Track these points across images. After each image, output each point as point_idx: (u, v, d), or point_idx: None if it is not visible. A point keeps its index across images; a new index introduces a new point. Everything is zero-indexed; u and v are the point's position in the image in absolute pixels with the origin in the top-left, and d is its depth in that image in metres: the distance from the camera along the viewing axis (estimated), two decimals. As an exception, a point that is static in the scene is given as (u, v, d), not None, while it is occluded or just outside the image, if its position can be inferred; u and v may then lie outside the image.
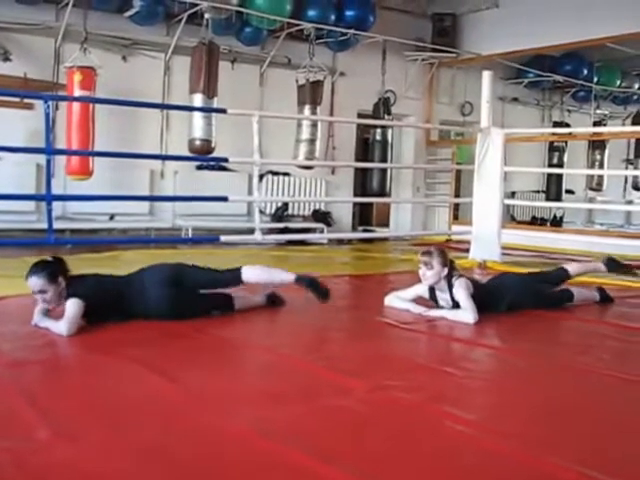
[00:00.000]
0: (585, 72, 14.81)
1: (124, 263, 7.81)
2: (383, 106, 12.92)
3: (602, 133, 14.24)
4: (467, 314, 4.95)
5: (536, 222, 15.36)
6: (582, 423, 3.04)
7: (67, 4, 9.96)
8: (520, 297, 5.48)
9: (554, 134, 14.09)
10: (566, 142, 15.28)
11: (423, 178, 14.55)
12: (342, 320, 5.43)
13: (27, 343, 4.05)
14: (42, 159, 7.67)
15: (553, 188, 15.47)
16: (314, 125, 11.83)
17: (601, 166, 15.73)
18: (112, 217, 10.73)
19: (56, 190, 8.19)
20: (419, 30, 13.84)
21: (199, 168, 11.78)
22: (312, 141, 11.85)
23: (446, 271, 5.09)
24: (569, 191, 15.70)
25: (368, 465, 2.47)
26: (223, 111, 8.64)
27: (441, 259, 5.08)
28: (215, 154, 10.61)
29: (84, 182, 9.70)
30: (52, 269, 4.29)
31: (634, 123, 15.22)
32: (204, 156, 10.71)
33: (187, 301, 4.82)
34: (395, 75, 13.47)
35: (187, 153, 10.57)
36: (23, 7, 9.87)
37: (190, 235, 10.81)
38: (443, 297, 5.21)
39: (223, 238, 7.99)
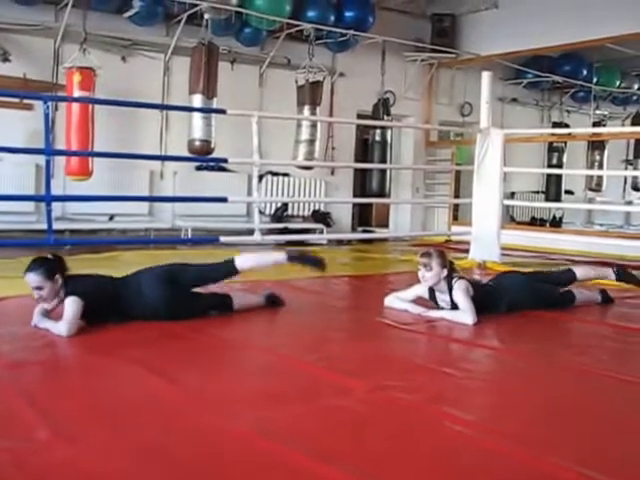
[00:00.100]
0: (584, 72, 14.82)
1: (123, 264, 7.80)
2: (382, 107, 12.92)
3: (601, 134, 14.23)
4: (466, 315, 4.95)
5: (535, 223, 15.36)
6: (581, 423, 3.05)
7: (66, 5, 9.96)
8: (520, 298, 5.48)
9: (553, 134, 14.09)
10: (565, 143, 15.28)
11: (422, 179, 14.55)
12: (342, 320, 5.44)
13: (27, 344, 4.05)
14: (41, 160, 7.65)
15: (552, 189, 15.47)
16: (313, 126, 11.83)
17: (600, 167, 15.72)
18: (111, 218, 10.73)
19: (55, 191, 8.19)
20: (418, 31, 13.84)
21: (198, 169, 11.78)
22: (311, 142, 11.85)
23: (445, 272, 5.09)
24: (568, 192, 15.69)
25: (368, 465, 2.47)
26: (222, 112, 8.64)
27: (440, 260, 5.09)
28: (214, 155, 10.61)
29: (83, 183, 9.70)
30: (50, 266, 4.29)
31: (633, 123, 15.22)
32: (203, 157, 10.70)
33: (184, 301, 4.83)
34: (394, 76, 13.47)
35: (186, 154, 10.56)
36: (22, 8, 9.87)
37: (189, 236, 10.80)
38: (443, 298, 5.21)
39: (222, 239, 7.98)
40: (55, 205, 8.16)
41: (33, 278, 4.24)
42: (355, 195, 13.98)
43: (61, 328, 4.17)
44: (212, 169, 11.79)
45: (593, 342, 4.71)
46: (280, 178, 12.48)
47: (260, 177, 11.37)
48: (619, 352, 4.51)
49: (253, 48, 11.94)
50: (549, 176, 15.53)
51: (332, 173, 13.25)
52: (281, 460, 2.48)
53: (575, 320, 5.47)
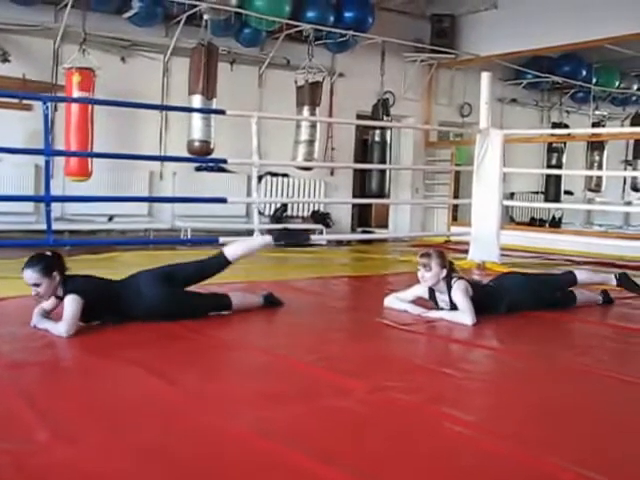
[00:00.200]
0: (584, 73, 14.82)
1: (123, 264, 7.79)
2: (382, 107, 12.92)
3: (601, 134, 14.23)
4: (465, 316, 4.95)
5: (535, 223, 15.37)
6: (581, 424, 3.04)
7: (66, 5, 9.97)
8: (520, 298, 5.47)
9: (553, 135, 14.10)
10: (565, 143, 15.28)
11: (422, 179, 14.55)
12: (341, 321, 5.44)
13: (26, 344, 4.05)
14: (41, 160, 7.64)
15: (552, 189, 15.47)
16: (313, 126, 11.84)
17: (600, 167, 15.73)
18: (111, 218, 10.73)
19: (55, 191, 8.21)
20: (418, 31, 13.84)
21: (198, 169, 11.77)
22: (311, 142, 11.85)
23: (445, 273, 5.09)
24: (568, 192, 15.70)
25: (367, 465, 2.46)
26: (222, 112, 8.65)
27: (439, 261, 5.08)
28: (214, 155, 10.62)
29: (83, 183, 9.70)
30: (47, 263, 4.27)
31: (633, 124, 15.24)
32: (203, 157, 10.71)
33: (183, 300, 4.84)
34: (394, 76, 13.47)
35: (186, 154, 10.56)
36: (22, 8, 9.87)
37: (189, 236, 10.80)
38: (442, 298, 5.21)
39: (222, 239, 7.98)
40: (54, 205, 8.18)
41: (30, 275, 4.22)
42: (354, 196, 13.96)
43: (60, 329, 4.17)
44: (211, 170, 11.79)
45: (594, 343, 4.70)
46: (279, 179, 12.48)
47: (259, 178, 11.38)
48: (620, 353, 4.50)
49: (252, 49, 11.94)
50: (548, 176, 15.54)
51: (331, 174, 13.25)
52: (281, 460, 2.47)
53: (576, 321, 5.46)
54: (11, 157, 9.63)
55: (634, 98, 16.25)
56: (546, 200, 15.35)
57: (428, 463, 2.55)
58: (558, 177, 15.38)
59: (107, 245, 9.52)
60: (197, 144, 10.48)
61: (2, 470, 2.34)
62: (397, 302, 5.44)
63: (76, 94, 9.50)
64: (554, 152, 15.44)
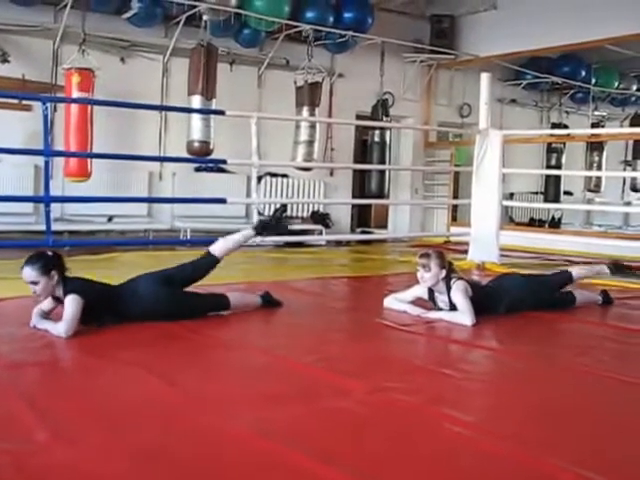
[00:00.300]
0: (583, 74, 14.83)
1: (122, 265, 7.80)
2: (381, 108, 12.92)
3: (600, 134, 14.23)
4: (464, 316, 4.95)
5: (534, 223, 15.36)
6: (581, 424, 3.04)
7: (65, 6, 9.96)
8: (519, 299, 5.47)
9: (552, 135, 14.10)
10: (564, 143, 15.28)
11: (421, 180, 14.54)
12: (341, 322, 5.44)
13: (25, 345, 4.05)
14: (40, 161, 7.65)
15: (551, 189, 15.47)
16: (312, 127, 11.83)
17: (599, 167, 15.75)
18: (110, 219, 10.72)
19: (54, 192, 8.20)
20: (417, 32, 13.83)
21: (197, 170, 11.77)
22: (310, 143, 11.84)
23: (444, 273, 5.09)
24: (567, 192, 15.70)
25: (367, 466, 2.47)
26: (221, 113, 8.65)
27: (439, 261, 5.08)
28: (213, 156, 10.60)
29: (82, 184, 9.68)
30: (46, 261, 4.27)
31: (632, 124, 15.25)
32: (202, 158, 10.70)
33: (181, 300, 4.85)
34: (393, 77, 13.46)
35: (185, 155, 10.55)
36: (21, 8, 9.86)
37: (189, 237, 10.80)
38: (442, 299, 5.21)
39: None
40: (54, 206, 8.18)
41: (29, 272, 4.23)
42: (354, 196, 13.94)
43: (60, 329, 4.17)
44: (211, 170, 11.79)
45: (593, 343, 4.70)
46: (279, 179, 12.48)
47: (259, 178, 11.38)
48: (619, 353, 4.49)
49: (252, 49, 11.93)
50: (548, 177, 15.53)
51: (331, 174, 13.24)
52: (280, 461, 2.48)
53: (575, 321, 5.46)
54: (10, 157, 9.62)
55: (633, 98, 16.27)
56: (545, 200, 15.35)
57: (428, 464, 2.55)
58: (557, 177, 15.38)
59: (107, 246, 9.52)
60: (196, 144, 10.47)
61: (2, 470, 2.34)
62: (396, 303, 5.44)
63: (75, 95, 9.49)
64: (553, 152, 15.44)
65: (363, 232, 14.36)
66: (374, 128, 13.11)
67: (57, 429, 2.70)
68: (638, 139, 15.01)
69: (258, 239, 7.79)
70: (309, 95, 11.85)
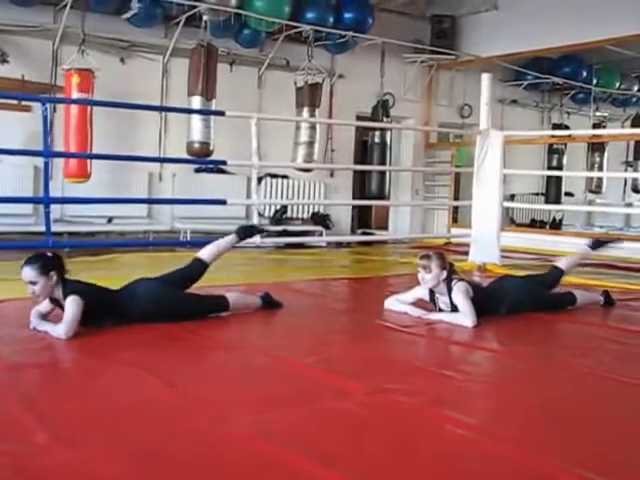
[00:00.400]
0: (584, 74, 14.82)
1: (122, 266, 7.81)
2: (382, 108, 12.91)
3: (601, 135, 14.23)
4: (466, 317, 4.94)
5: (535, 225, 15.35)
6: (582, 426, 3.03)
7: (65, 6, 9.94)
8: (520, 300, 5.47)
9: (553, 136, 14.08)
10: (565, 144, 15.26)
11: (422, 181, 14.52)
12: (341, 323, 5.44)
13: (25, 347, 4.04)
14: (40, 161, 7.64)
15: (552, 190, 15.45)
16: (313, 127, 11.81)
17: (600, 168, 15.73)
18: (110, 220, 10.70)
19: (54, 193, 8.19)
20: (418, 32, 13.82)
21: (197, 171, 11.76)
22: (311, 144, 11.82)
23: (445, 274, 5.07)
24: (568, 193, 15.69)
25: (367, 468, 2.46)
26: (221, 113, 8.64)
27: (439, 262, 5.07)
28: (213, 157, 10.60)
29: (82, 184, 9.66)
30: (46, 262, 4.27)
31: (633, 125, 15.24)
32: (202, 159, 10.69)
33: (181, 301, 4.86)
34: (394, 77, 13.45)
35: (185, 156, 10.54)
36: (21, 9, 9.84)
37: (189, 238, 10.78)
38: (443, 300, 5.20)
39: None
40: (53, 207, 8.16)
41: (28, 272, 4.22)
42: (354, 197, 13.95)
43: (60, 330, 4.16)
44: (211, 171, 11.78)
45: (594, 344, 4.69)
46: (279, 180, 12.46)
47: (259, 179, 11.36)
48: (620, 354, 4.48)
49: (252, 49, 11.91)
50: (549, 178, 15.52)
51: (331, 175, 13.23)
52: (280, 462, 2.47)
53: (576, 322, 5.45)
54: (10, 158, 9.62)
55: (634, 99, 16.26)
56: (546, 202, 15.33)
57: (428, 466, 2.54)
58: (559, 178, 15.36)
59: (106, 247, 9.50)
60: (196, 145, 10.46)
61: (1, 472, 2.34)
62: (397, 304, 5.43)
63: (75, 95, 9.47)
64: (554, 153, 15.42)
65: (363, 233, 14.35)
66: (374, 129, 13.10)
67: (57, 430, 2.70)
68: (639, 140, 14.99)
69: (258, 240, 7.86)
70: (309, 96, 11.83)
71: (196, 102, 10.44)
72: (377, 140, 13.06)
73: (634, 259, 9.38)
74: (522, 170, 13.21)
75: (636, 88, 16.11)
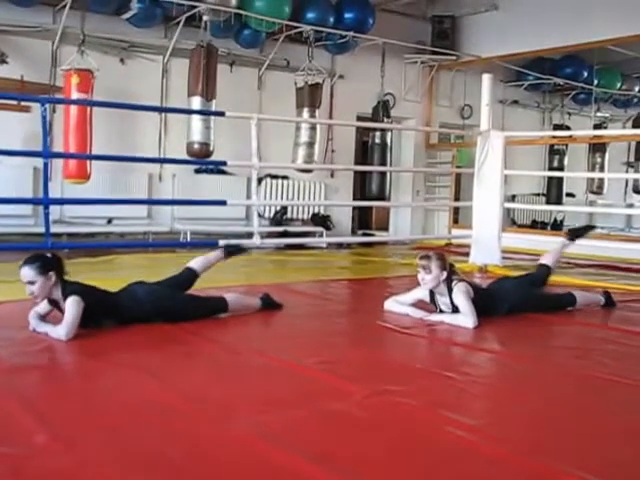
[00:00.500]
0: (585, 75, 14.77)
1: (122, 267, 7.81)
2: (382, 109, 12.89)
3: (603, 136, 14.19)
4: (466, 318, 4.93)
5: (536, 226, 15.31)
6: (583, 427, 3.03)
7: (64, 6, 9.91)
8: (521, 301, 5.48)
9: (554, 137, 14.06)
10: (566, 145, 15.23)
11: (423, 181, 14.51)
12: (341, 324, 5.43)
13: (25, 349, 4.04)
14: (39, 162, 7.62)
15: (553, 191, 15.42)
16: (313, 128, 11.79)
17: (602, 169, 15.69)
18: (110, 221, 10.68)
19: (53, 194, 8.17)
20: (418, 33, 13.81)
21: (197, 172, 11.75)
22: (311, 144, 11.81)
23: (445, 275, 5.05)
24: (569, 194, 15.65)
25: (368, 470, 2.46)
26: (221, 114, 8.62)
27: (439, 263, 5.05)
28: (213, 157, 10.59)
29: (81, 185, 9.65)
30: (45, 262, 4.27)
31: (635, 126, 15.19)
32: (202, 159, 10.67)
33: (180, 300, 4.88)
34: (394, 78, 13.45)
35: (185, 156, 10.52)
36: (20, 9, 9.82)
37: (189, 239, 10.76)
38: (443, 301, 5.18)
39: (221, 242, 7.95)
40: (53, 208, 8.15)
41: (26, 272, 4.21)
42: (355, 198, 13.93)
43: (60, 332, 4.16)
44: (211, 172, 11.77)
45: (594, 345, 4.69)
46: (279, 181, 12.44)
47: (259, 180, 11.34)
48: (621, 355, 4.47)
49: (252, 50, 11.90)
50: (550, 179, 15.49)
51: (332, 176, 13.21)
52: (280, 464, 2.47)
53: (576, 323, 5.47)
54: (9, 159, 9.60)
55: (636, 100, 16.20)
56: (548, 202, 15.30)
57: (429, 467, 2.53)
58: (560, 179, 15.33)
59: (106, 248, 9.47)
60: (196, 146, 10.45)
61: (0, 474, 2.33)
62: (397, 305, 5.42)
63: (75, 96, 9.46)
64: (556, 154, 15.39)
65: (364, 234, 14.34)
66: (375, 129, 13.08)
67: (56, 432, 2.70)
68: (640, 140, 14.97)
69: (258, 242, 7.85)
70: (309, 96, 11.81)
71: (196, 103, 10.42)
72: (377, 141, 13.03)
73: (635, 260, 9.35)
74: (523, 171, 13.19)
75: (637, 89, 16.06)
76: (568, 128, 15.24)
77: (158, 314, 4.65)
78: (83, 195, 9.39)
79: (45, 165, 6.83)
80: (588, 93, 15.06)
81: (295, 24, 11.42)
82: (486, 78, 8.85)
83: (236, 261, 8.35)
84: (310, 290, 6.79)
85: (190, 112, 10.52)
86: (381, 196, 12.92)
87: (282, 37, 11.72)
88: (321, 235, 12.08)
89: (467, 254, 8.91)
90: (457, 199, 13.42)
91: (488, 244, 8.56)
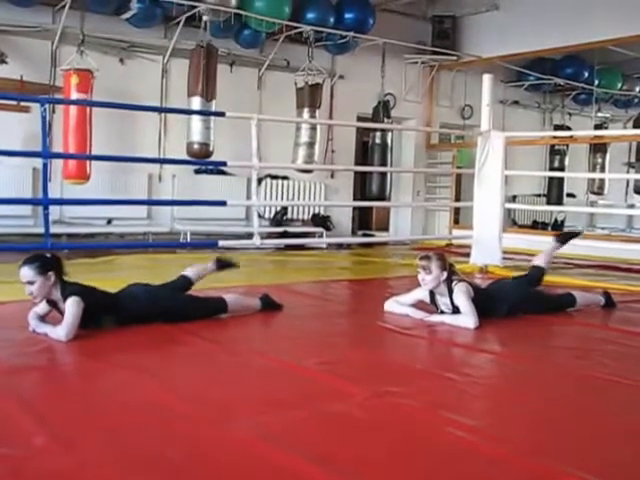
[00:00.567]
0: (586, 75, 14.76)
1: (122, 268, 7.80)
2: (383, 109, 12.88)
3: (603, 136, 14.18)
4: (467, 319, 4.91)
5: (537, 226, 15.29)
6: (584, 428, 3.02)
7: (64, 6, 9.90)
8: (520, 302, 5.47)
9: (555, 137, 14.05)
10: (567, 145, 15.22)
11: (423, 182, 14.50)
12: (342, 325, 5.42)
13: (24, 349, 4.03)
14: (39, 162, 7.61)
15: (554, 192, 15.41)
16: (313, 128, 11.78)
17: (602, 169, 15.67)
18: (109, 221, 10.67)
19: (53, 194, 8.16)
20: (419, 33, 13.81)
21: (197, 172, 11.73)
22: (311, 144, 11.79)
23: (445, 275, 5.04)
24: (570, 195, 15.64)
25: (368, 471, 2.46)
26: (221, 114, 8.61)
27: (440, 263, 5.04)
28: (213, 158, 10.57)
29: (81, 186, 9.63)
30: (44, 262, 4.26)
31: (635, 126, 15.18)
32: (202, 160, 10.65)
33: (180, 299, 4.89)
34: (395, 78, 13.44)
35: (185, 157, 10.51)
36: (20, 9, 9.80)
37: (189, 239, 10.75)
38: (443, 301, 5.17)
39: (221, 243, 7.95)
40: (52, 209, 8.13)
41: (26, 271, 4.20)
42: (355, 198, 13.93)
43: (60, 332, 4.15)
44: (211, 172, 11.75)
45: (595, 346, 4.68)
46: (279, 181, 12.43)
47: (259, 180, 11.33)
48: (621, 356, 4.46)
49: (252, 50, 11.89)
50: (551, 179, 15.49)
51: (332, 176, 13.20)
52: (280, 465, 2.46)
53: (576, 324, 5.47)
54: (9, 159, 9.60)
55: (637, 100, 16.19)
56: (548, 203, 15.28)
57: (430, 469, 2.52)
58: (560, 180, 15.32)
59: (106, 249, 9.46)
60: (196, 146, 10.43)
61: (-1, 474, 2.33)
62: (397, 306, 5.41)
63: (74, 96, 9.44)
64: (556, 154, 15.38)
65: (364, 235, 14.33)
66: (375, 130, 13.06)
67: (56, 433, 2.69)
68: (641, 140, 14.95)
69: (258, 242, 7.83)
70: (310, 97, 11.80)
71: (196, 103, 10.41)
72: (378, 141, 13.01)
73: (635, 260, 9.33)
74: (524, 171, 13.17)
75: (638, 89, 16.06)
76: (569, 128, 15.23)
77: (158, 314, 4.64)
78: (83, 195, 9.39)
79: (44, 165, 6.82)
80: (589, 93, 15.05)
81: (295, 24, 11.41)
82: (487, 78, 8.84)
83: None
84: (310, 291, 6.78)
85: (190, 112, 10.51)
86: (381, 196, 12.90)
87: (282, 37, 11.70)
88: (321, 235, 12.07)
89: (468, 255, 8.90)
90: (458, 199, 13.40)
91: (489, 245, 8.55)
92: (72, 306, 4.18)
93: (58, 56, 10.26)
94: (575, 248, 10.09)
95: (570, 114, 16.23)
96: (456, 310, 5.05)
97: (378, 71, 12.98)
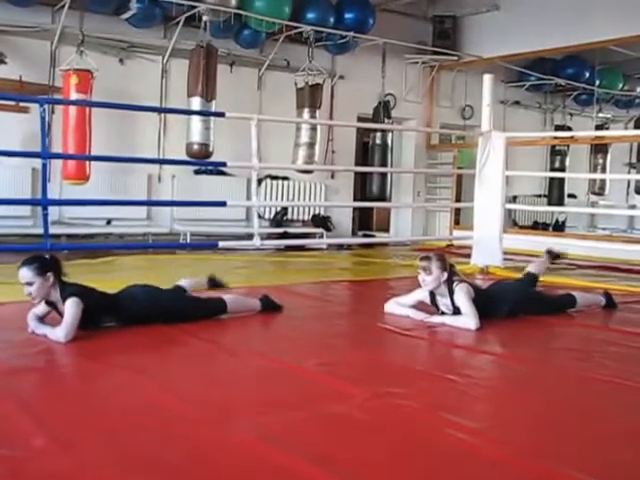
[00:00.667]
0: (587, 75, 14.75)
1: (121, 268, 7.80)
2: (383, 109, 12.87)
3: (604, 137, 14.16)
4: (468, 320, 4.90)
5: (538, 227, 15.27)
6: (584, 430, 3.01)
7: (63, 6, 9.89)
8: (521, 303, 5.48)
9: (556, 138, 14.04)
10: (568, 146, 15.20)
11: (424, 182, 14.49)
12: (342, 326, 5.42)
13: (23, 350, 4.03)
14: (38, 163, 7.60)
15: (555, 192, 15.38)
16: (313, 129, 11.77)
17: (603, 170, 15.65)
18: (109, 222, 10.65)
19: (52, 194, 8.14)
20: (419, 33, 13.80)
21: (197, 172, 11.72)
22: (311, 145, 11.78)
23: (445, 276, 5.03)
24: (571, 195, 15.62)
25: (368, 472, 2.46)
26: (221, 115, 8.59)
27: (440, 264, 5.03)
28: (213, 158, 10.55)
29: (80, 186, 9.61)
30: (43, 263, 4.26)
31: (636, 127, 15.17)
32: (202, 160, 10.63)
33: (180, 299, 4.90)
34: (395, 78, 13.43)
35: (185, 157, 10.49)
36: (19, 9, 9.79)
37: (188, 240, 10.73)
38: (444, 302, 5.16)
39: (221, 244, 7.94)
40: (51, 209, 8.11)
41: (25, 272, 4.20)
42: (355, 199, 13.92)
43: (59, 333, 4.15)
44: (211, 173, 11.74)
45: (596, 347, 4.68)
46: (279, 182, 12.41)
47: (259, 181, 11.31)
48: (622, 357, 4.46)
49: (252, 50, 11.88)
50: (552, 180, 15.47)
51: (332, 177, 13.19)
52: (280, 466, 2.46)
53: (577, 325, 5.47)
54: (8, 160, 9.59)
55: (638, 100, 16.18)
56: (549, 203, 15.25)
57: (430, 470, 2.52)
58: (561, 180, 15.30)
59: (105, 249, 9.44)
60: (196, 147, 10.42)
61: (-2, 476, 2.33)
62: (398, 307, 5.40)
63: (74, 96, 9.42)
64: (557, 155, 15.37)
65: (364, 235, 14.32)
66: (375, 130, 13.04)
67: (54, 435, 2.69)
68: (642, 141, 14.94)
69: (258, 243, 7.81)
70: (310, 97, 11.79)
71: (196, 103, 10.40)
72: (378, 141, 13.00)
73: (636, 261, 9.31)
74: (524, 172, 13.15)
75: (639, 89, 16.05)
76: (570, 129, 15.23)
77: (157, 315, 4.64)
78: (82, 196, 9.37)
79: (44, 166, 6.80)
80: (590, 94, 15.04)
81: (295, 24, 11.40)
82: (487, 78, 8.82)
83: (236, 262, 8.39)
84: (310, 292, 6.79)
85: (190, 113, 10.50)
86: (382, 197, 12.89)
87: (282, 37, 11.69)
88: (321, 236, 12.07)
89: (468, 255, 8.89)
90: (458, 200, 13.38)
91: (489, 245, 8.53)
92: (71, 307, 4.17)
93: (57, 56, 10.25)
94: (576, 249, 10.14)
95: (571, 114, 16.22)
96: (457, 311, 5.04)
97: (378, 71, 12.97)
